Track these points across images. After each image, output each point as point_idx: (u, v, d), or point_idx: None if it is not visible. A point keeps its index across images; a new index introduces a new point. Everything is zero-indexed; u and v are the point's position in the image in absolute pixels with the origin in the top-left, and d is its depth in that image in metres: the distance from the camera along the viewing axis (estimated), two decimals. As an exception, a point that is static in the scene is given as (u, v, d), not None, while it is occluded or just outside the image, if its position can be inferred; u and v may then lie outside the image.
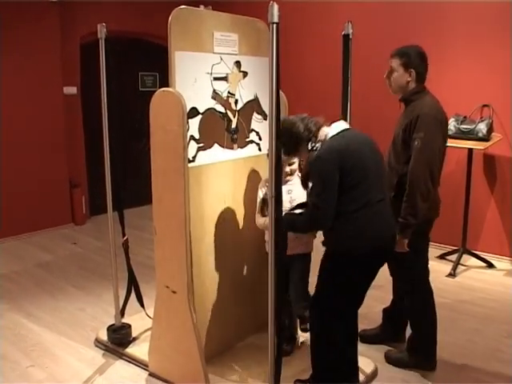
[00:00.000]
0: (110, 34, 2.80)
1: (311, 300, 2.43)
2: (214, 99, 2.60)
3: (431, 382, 2.68)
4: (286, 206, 2.50)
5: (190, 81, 2.45)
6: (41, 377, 2.76)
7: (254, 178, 2.87)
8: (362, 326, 3.10)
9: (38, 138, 5.22)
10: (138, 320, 3.16)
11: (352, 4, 5.02)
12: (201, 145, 2.54)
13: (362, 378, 2.62)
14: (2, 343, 3.09)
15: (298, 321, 2.70)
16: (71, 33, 5.42)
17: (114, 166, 2.89)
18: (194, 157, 2.51)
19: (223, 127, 2.68)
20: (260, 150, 2.92)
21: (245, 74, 2.77)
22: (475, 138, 4.07)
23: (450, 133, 3.83)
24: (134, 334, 3.05)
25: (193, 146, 2.50)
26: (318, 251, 2.56)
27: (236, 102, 2.73)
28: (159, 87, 2.72)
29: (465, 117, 4.19)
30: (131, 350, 2.94)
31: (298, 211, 2.42)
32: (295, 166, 2.64)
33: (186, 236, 2.40)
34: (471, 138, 4.08)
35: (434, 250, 3.76)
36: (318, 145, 2.22)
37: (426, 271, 2.76)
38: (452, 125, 4.10)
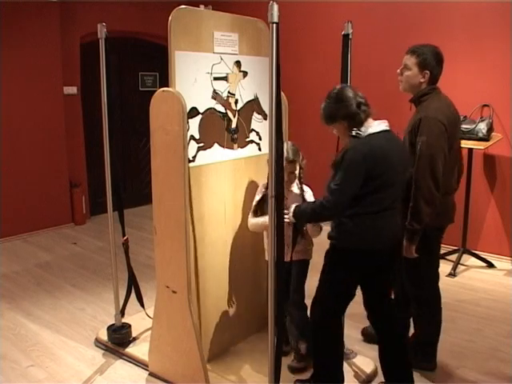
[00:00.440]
0: (110, 34, 2.80)
1: (312, 300, 2.42)
2: (214, 99, 2.60)
3: (431, 381, 2.68)
4: None
5: (190, 81, 2.45)
6: (41, 376, 2.76)
7: (254, 177, 2.87)
8: (363, 325, 3.11)
9: (38, 138, 5.22)
10: (138, 320, 3.16)
11: (352, 4, 5.03)
12: (201, 145, 2.55)
13: (362, 377, 2.63)
14: (1, 343, 3.09)
15: (293, 355, 2.69)
16: (71, 33, 5.42)
17: (113, 166, 2.89)
18: (194, 157, 2.51)
19: (223, 127, 2.68)
20: (260, 149, 2.92)
21: (245, 73, 2.77)
22: (475, 138, 4.07)
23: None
24: (134, 334, 3.05)
25: (193, 146, 2.50)
26: (319, 252, 2.56)
27: (236, 101, 2.73)
28: (159, 87, 2.72)
29: (465, 117, 4.18)
30: (131, 349, 2.94)
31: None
32: (294, 176, 2.59)
33: (186, 236, 2.40)
34: (471, 137, 4.07)
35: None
36: (360, 132, 2.17)
37: (436, 277, 2.73)
38: (452, 125, 4.10)
